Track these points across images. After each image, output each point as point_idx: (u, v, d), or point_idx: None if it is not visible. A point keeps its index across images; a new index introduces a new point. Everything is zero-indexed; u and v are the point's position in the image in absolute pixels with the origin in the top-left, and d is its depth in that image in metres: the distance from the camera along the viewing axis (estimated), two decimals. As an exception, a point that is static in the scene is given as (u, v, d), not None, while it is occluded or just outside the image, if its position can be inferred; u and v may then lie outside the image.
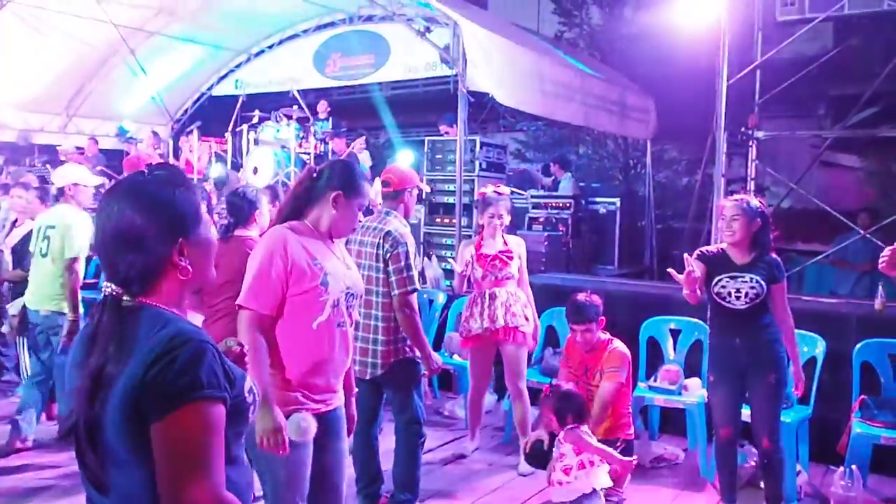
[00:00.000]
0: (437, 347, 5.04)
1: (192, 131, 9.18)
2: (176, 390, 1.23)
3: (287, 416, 2.27)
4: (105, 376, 1.27)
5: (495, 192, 4.26)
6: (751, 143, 5.86)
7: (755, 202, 3.52)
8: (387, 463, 3.60)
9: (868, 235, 5.84)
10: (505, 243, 4.26)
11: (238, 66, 10.20)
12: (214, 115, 9.80)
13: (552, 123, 10.16)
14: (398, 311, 3.27)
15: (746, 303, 3.39)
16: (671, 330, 4.69)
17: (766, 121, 6.16)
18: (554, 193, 7.89)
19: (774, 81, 5.91)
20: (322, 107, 9.42)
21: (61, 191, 4.45)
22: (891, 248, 2.85)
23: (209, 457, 1.24)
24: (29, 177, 6.64)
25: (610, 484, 3.34)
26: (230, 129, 9.10)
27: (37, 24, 8.08)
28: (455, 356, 5.12)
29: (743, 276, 3.40)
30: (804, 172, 6.30)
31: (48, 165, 9.01)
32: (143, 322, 1.31)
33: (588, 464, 3.29)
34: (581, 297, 3.86)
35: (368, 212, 3.58)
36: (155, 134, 9.74)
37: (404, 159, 7.71)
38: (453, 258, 4.54)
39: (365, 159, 8.56)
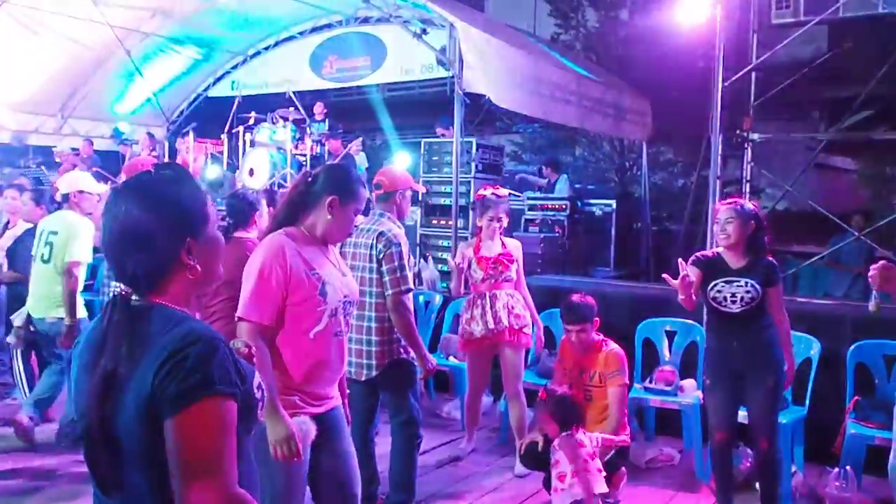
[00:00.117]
0: (433, 349, 5.04)
1: (187, 133, 9.17)
2: (188, 387, 1.23)
3: None
4: (118, 376, 1.27)
5: (494, 194, 4.26)
6: (746, 146, 5.87)
7: (749, 205, 3.53)
8: (383, 464, 3.60)
9: (862, 237, 5.86)
10: (504, 246, 4.26)
11: (234, 67, 10.19)
12: (210, 117, 9.78)
13: (548, 125, 10.18)
14: (392, 311, 3.26)
15: (742, 307, 3.40)
16: (667, 331, 4.71)
17: (762, 123, 6.17)
18: (550, 195, 7.90)
19: (769, 84, 5.93)
20: (318, 108, 9.42)
21: (66, 197, 4.45)
22: (876, 266, 2.87)
23: (222, 453, 1.25)
24: (21, 179, 6.62)
25: (605, 490, 3.36)
26: (226, 130, 9.09)
27: (32, 25, 8.05)
28: (451, 358, 5.12)
29: (738, 281, 3.40)
30: (799, 174, 6.32)
31: (43, 167, 9.00)
32: (153, 321, 1.31)
33: (582, 471, 3.30)
34: (575, 297, 3.87)
35: (365, 212, 3.58)
36: (150, 135, 9.73)
37: (401, 161, 7.72)
38: (450, 257, 4.53)
39: (361, 161, 8.57)
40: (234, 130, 9.06)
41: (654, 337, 4.71)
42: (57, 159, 9.26)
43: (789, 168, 7.24)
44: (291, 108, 8.76)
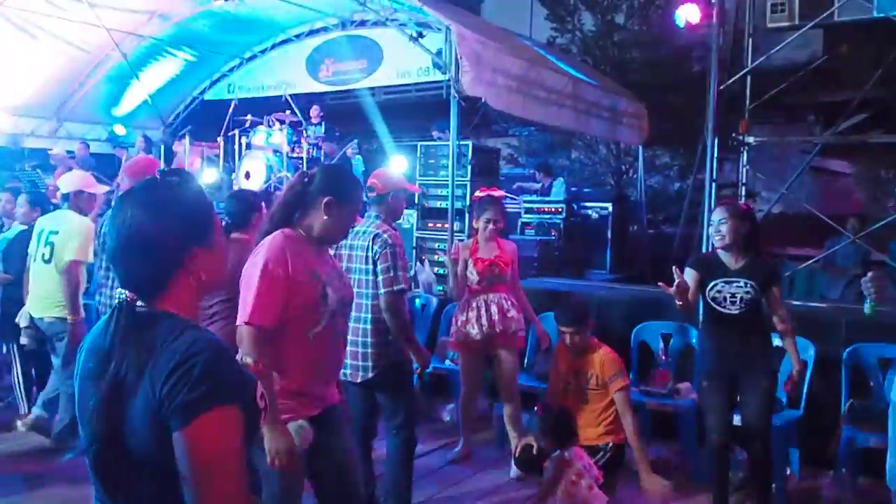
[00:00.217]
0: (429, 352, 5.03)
1: (184, 136, 9.16)
2: (196, 398, 1.22)
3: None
4: (126, 384, 1.27)
5: (490, 196, 4.27)
6: (742, 149, 5.89)
7: (742, 205, 3.55)
8: (378, 467, 3.59)
9: (858, 240, 5.88)
10: (500, 248, 4.27)
11: (230, 70, 10.18)
12: (207, 120, 9.78)
13: (544, 129, 10.19)
14: (385, 310, 3.23)
15: (741, 308, 3.40)
16: (662, 334, 4.71)
17: (757, 126, 6.19)
18: (546, 198, 7.91)
19: (765, 87, 5.95)
20: (314, 111, 9.42)
21: (66, 196, 4.44)
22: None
23: (233, 463, 1.25)
24: (15, 182, 6.62)
25: (604, 500, 3.34)
26: (222, 133, 9.09)
27: (28, 28, 8.04)
28: (448, 361, 5.11)
29: (738, 281, 3.41)
30: (795, 178, 6.33)
31: (39, 170, 8.98)
32: (159, 329, 1.31)
33: (572, 484, 3.29)
34: (570, 300, 3.87)
35: (361, 213, 3.58)
36: (146, 138, 9.72)
37: (397, 164, 7.72)
38: (445, 254, 4.52)
39: (357, 164, 8.57)
40: (230, 133, 9.06)
41: (649, 340, 4.72)
42: (53, 162, 9.24)
43: (785, 171, 7.25)
44: (288, 112, 8.76)
